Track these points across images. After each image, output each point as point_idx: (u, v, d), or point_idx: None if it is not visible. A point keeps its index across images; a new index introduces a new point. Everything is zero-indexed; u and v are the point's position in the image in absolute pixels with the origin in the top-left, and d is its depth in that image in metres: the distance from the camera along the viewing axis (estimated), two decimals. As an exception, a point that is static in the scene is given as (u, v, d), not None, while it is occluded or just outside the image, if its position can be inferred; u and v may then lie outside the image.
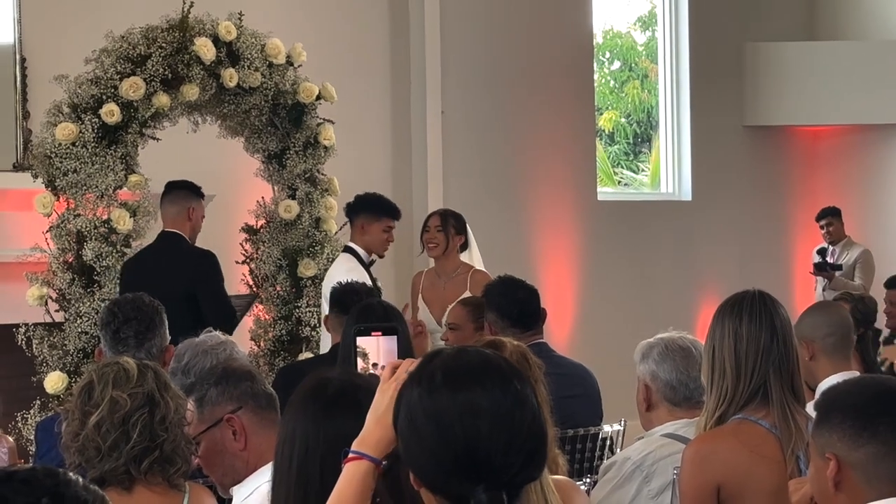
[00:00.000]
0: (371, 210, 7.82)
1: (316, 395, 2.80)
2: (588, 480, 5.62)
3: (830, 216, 12.29)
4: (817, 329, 4.94)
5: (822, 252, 12.18)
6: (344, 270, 7.35)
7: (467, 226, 8.11)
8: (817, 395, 4.03)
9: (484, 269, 7.92)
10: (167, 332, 5.10)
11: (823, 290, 12.00)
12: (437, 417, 2.20)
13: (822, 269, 12.05)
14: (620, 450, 6.02)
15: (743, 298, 4.07)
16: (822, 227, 12.30)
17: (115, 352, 4.93)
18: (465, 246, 8.05)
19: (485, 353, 2.30)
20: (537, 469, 2.23)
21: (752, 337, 3.96)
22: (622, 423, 6.21)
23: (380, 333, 3.02)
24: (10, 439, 5.58)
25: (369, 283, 7.37)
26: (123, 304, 5.11)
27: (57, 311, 7.36)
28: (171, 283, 6.96)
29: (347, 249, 7.81)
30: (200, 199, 7.58)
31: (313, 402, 2.79)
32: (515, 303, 6.13)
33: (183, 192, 7.54)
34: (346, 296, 6.41)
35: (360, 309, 5.80)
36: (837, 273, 12.05)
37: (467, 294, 7.69)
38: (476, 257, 8.12)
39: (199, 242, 8.67)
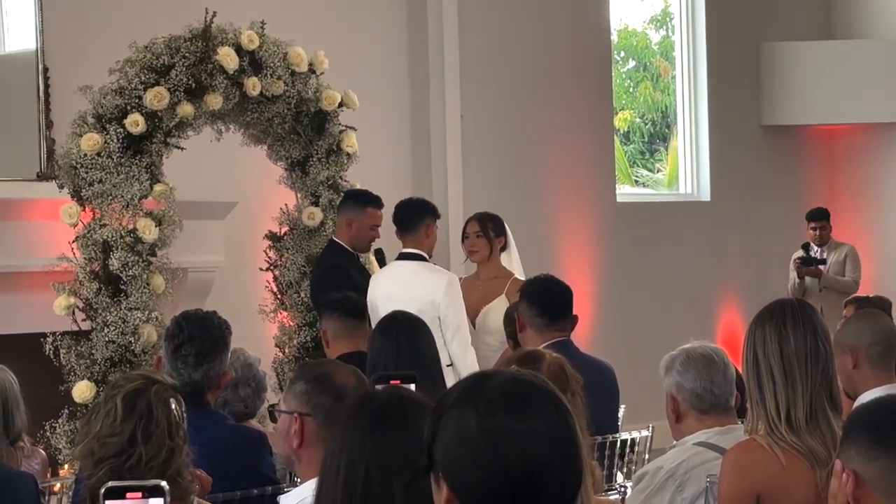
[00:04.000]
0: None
1: (362, 409, 2.84)
2: (617, 487, 5.66)
3: (824, 220, 12.15)
4: (862, 337, 4.88)
5: (806, 247, 12.12)
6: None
7: (505, 225, 8.14)
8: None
9: (523, 278, 7.91)
10: (228, 356, 5.08)
11: (821, 289, 11.93)
12: (496, 440, 2.21)
13: (810, 263, 12.02)
14: (648, 455, 6.07)
15: (783, 305, 4.08)
16: (813, 230, 12.14)
17: (174, 367, 4.92)
18: (504, 247, 8.08)
19: (538, 381, 2.33)
20: (574, 501, 2.27)
21: (798, 341, 3.98)
22: (650, 428, 6.24)
23: (398, 382, 3.05)
24: (42, 452, 5.62)
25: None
26: (192, 321, 5.02)
27: (84, 320, 7.40)
28: None
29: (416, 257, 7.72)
30: (365, 210, 7.90)
31: (360, 415, 2.83)
32: (547, 293, 6.29)
33: (347, 203, 7.94)
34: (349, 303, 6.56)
35: (386, 322, 5.84)
36: (823, 268, 12.01)
37: (502, 298, 7.71)
38: (515, 258, 8.13)
39: (225, 248, 8.75)
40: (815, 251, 12.11)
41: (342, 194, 8.19)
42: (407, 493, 2.45)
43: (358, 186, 8.31)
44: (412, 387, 3.03)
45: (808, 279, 12.04)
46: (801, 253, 12.07)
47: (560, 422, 2.26)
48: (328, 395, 3.69)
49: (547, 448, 2.22)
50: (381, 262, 8.17)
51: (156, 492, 2.36)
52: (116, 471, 3.55)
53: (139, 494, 2.34)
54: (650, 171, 13.51)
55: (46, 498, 5.15)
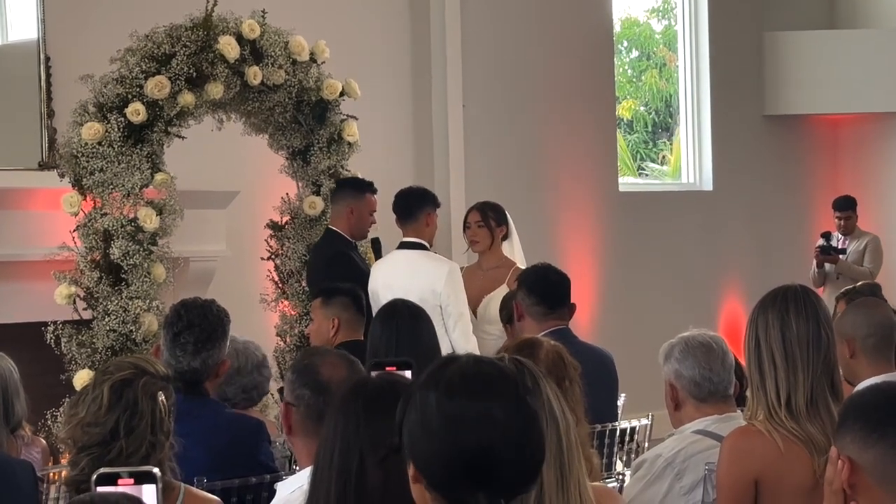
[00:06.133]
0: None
1: (356, 395, 2.85)
2: (616, 474, 5.66)
3: (850, 209, 12.21)
4: (858, 328, 4.87)
5: (826, 236, 12.16)
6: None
7: (507, 214, 8.13)
8: (852, 395, 4.05)
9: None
10: (227, 344, 5.07)
11: (838, 276, 11.97)
12: (453, 421, 2.29)
13: (828, 252, 12.05)
14: (648, 444, 6.07)
15: (786, 291, 4.08)
16: (838, 218, 12.24)
17: (172, 354, 4.92)
18: (506, 236, 8.08)
19: (501, 366, 2.38)
20: (533, 484, 2.35)
21: (800, 327, 3.98)
22: (649, 417, 6.24)
23: (394, 368, 3.05)
24: (43, 441, 5.62)
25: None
26: (191, 308, 5.01)
27: (85, 309, 7.41)
28: None
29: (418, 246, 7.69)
30: (364, 197, 7.91)
31: (353, 401, 2.84)
32: (546, 282, 6.30)
33: (344, 191, 7.92)
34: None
35: (386, 311, 5.84)
36: (842, 257, 12.05)
37: (504, 288, 7.71)
38: (517, 247, 8.13)
39: (226, 237, 8.75)
40: (838, 239, 12.13)
41: (335, 184, 8.19)
42: (382, 469, 2.50)
43: (359, 175, 8.30)
44: (408, 374, 3.03)
45: (828, 266, 12.07)
46: (821, 241, 12.09)
47: (520, 408, 2.31)
48: (308, 387, 3.72)
49: (502, 432, 2.27)
50: (378, 251, 8.16)
51: (148, 478, 2.35)
52: (97, 461, 3.54)
53: (131, 480, 2.32)
54: (654, 160, 13.50)
55: (46, 486, 5.14)
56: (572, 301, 6.44)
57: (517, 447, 2.28)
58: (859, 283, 7.93)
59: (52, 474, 5.35)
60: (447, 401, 2.30)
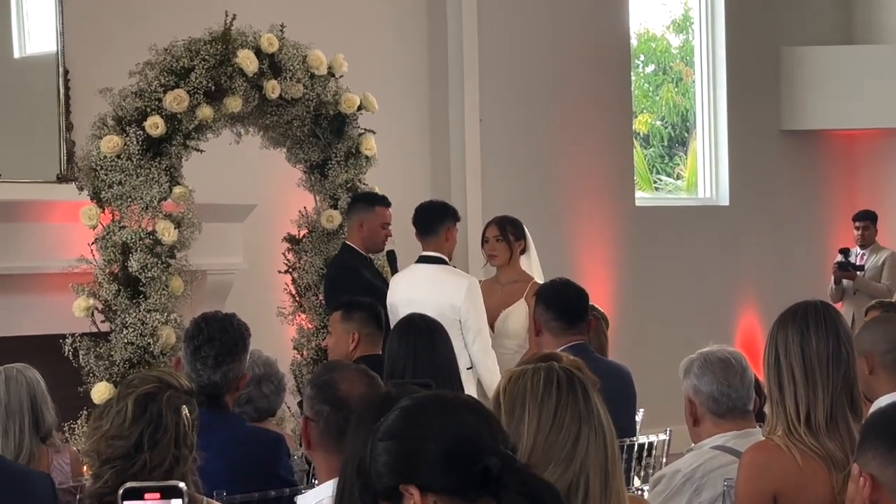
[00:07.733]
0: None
1: (381, 408, 2.85)
2: (634, 490, 5.65)
3: (868, 220, 12.32)
4: (877, 344, 4.82)
5: (845, 252, 12.19)
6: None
7: (525, 229, 8.13)
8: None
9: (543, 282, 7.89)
10: (248, 358, 5.08)
11: (855, 292, 12.00)
12: (426, 424, 2.46)
13: (846, 268, 12.08)
14: (666, 459, 6.07)
15: (806, 307, 4.08)
16: (857, 229, 12.36)
17: (193, 368, 4.93)
18: (524, 250, 8.08)
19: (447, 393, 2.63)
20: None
21: (820, 343, 3.98)
22: (668, 432, 6.23)
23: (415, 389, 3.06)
24: (73, 449, 5.62)
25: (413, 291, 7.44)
26: (211, 322, 5.02)
27: (103, 321, 7.42)
28: None
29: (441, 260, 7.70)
30: (374, 210, 7.94)
31: (372, 420, 2.84)
32: (564, 297, 6.29)
33: (356, 205, 7.96)
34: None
35: (403, 325, 5.84)
36: (860, 273, 12.08)
37: (522, 302, 7.71)
38: (535, 262, 8.13)
39: (244, 250, 8.77)
40: (856, 255, 12.17)
41: (350, 198, 8.21)
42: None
43: (376, 189, 8.31)
44: None
45: (846, 282, 12.10)
46: (839, 258, 12.11)
47: (471, 402, 2.53)
48: (328, 403, 3.72)
49: (470, 418, 2.46)
50: (393, 263, 8.16)
51: (174, 493, 2.33)
52: (121, 475, 3.55)
53: (157, 495, 2.32)
54: (669, 175, 13.50)
55: (76, 496, 5.13)
56: (595, 314, 6.45)
57: (490, 420, 2.49)
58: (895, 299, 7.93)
59: (83, 485, 5.35)
60: (417, 420, 2.47)
